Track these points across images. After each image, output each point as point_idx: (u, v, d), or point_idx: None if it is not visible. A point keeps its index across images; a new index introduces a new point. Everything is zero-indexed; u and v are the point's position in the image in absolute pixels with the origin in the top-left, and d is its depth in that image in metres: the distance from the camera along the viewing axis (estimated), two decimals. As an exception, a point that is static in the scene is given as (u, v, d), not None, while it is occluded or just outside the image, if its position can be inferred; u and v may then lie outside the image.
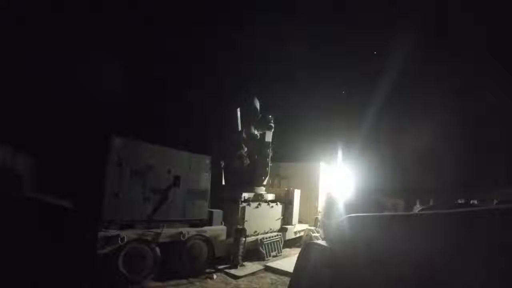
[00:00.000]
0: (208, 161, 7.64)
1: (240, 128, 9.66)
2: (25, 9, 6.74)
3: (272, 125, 10.46)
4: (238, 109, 9.68)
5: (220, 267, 7.31)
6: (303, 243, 9.23)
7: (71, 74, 6.03)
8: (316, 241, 2.26)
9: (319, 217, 11.94)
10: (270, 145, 10.48)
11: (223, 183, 9.32)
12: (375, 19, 17.04)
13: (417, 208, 12.79)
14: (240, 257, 7.54)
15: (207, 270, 7.06)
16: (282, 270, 7.34)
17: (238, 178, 9.35)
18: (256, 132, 10.20)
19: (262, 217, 9.07)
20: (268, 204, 9.52)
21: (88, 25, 6.91)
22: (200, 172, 7.41)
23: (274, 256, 8.89)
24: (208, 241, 7.24)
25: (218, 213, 7.75)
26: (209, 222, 7.48)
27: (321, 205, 12.39)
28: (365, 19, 17.24)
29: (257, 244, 8.60)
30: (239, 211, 8.28)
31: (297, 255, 2.08)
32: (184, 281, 6.39)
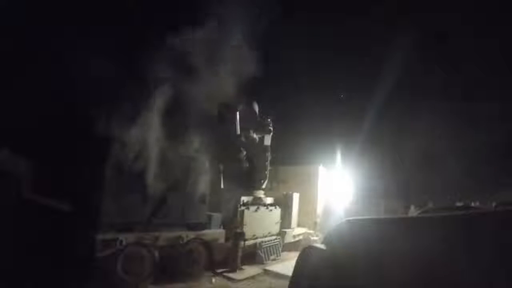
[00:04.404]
0: (207, 165, 7.65)
1: (239, 132, 9.67)
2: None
3: (271, 128, 10.48)
4: (237, 113, 9.69)
5: (219, 270, 7.29)
6: (302, 247, 9.23)
7: (70, 74, 6.03)
8: (314, 244, 2.26)
9: (318, 220, 11.95)
10: (269, 148, 10.49)
11: (222, 186, 9.32)
12: (375, 19, 17.16)
13: (412, 212, 12.89)
14: (238, 261, 7.52)
15: (206, 274, 7.03)
16: (281, 274, 7.32)
17: (237, 181, 9.34)
18: (255, 136, 10.21)
19: (261, 221, 9.05)
20: (267, 208, 9.50)
21: (87, 24, 6.92)
22: (199, 176, 7.41)
23: (273, 260, 8.86)
24: (206, 244, 7.22)
25: (217, 216, 7.74)
26: (208, 226, 7.47)
27: (320, 208, 12.39)
28: (365, 20, 17.35)
29: (256, 247, 8.58)
30: (238, 214, 8.26)
31: (296, 258, 2.07)
32: (182, 284, 6.36)
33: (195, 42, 7.27)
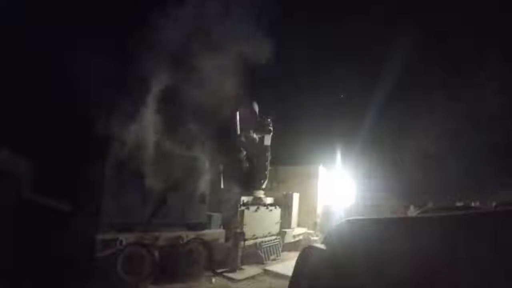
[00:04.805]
0: (207, 165, 7.65)
1: (239, 132, 9.67)
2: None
3: (271, 128, 10.48)
4: (237, 113, 9.70)
5: (219, 270, 7.29)
6: (302, 247, 9.23)
7: (69, 74, 6.03)
8: (314, 244, 2.26)
9: (318, 220, 11.95)
10: (269, 148, 10.50)
11: (222, 186, 9.35)
12: (375, 20, 17.16)
13: (412, 212, 12.92)
14: (238, 261, 7.52)
15: (206, 274, 7.03)
16: (281, 274, 7.32)
17: (237, 181, 9.35)
18: (255, 136, 10.21)
19: (261, 221, 9.06)
20: (267, 208, 9.51)
21: (84, 23, 6.91)
22: (199, 176, 7.41)
23: (273, 260, 8.87)
24: (206, 244, 7.22)
25: (217, 216, 7.74)
26: (208, 226, 7.47)
27: (320, 208, 12.39)
28: (365, 19, 17.35)
29: (256, 247, 8.58)
30: (238, 214, 8.26)
31: (296, 258, 2.07)
32: (182, 284, 6.36)
33: (196, 41, 7.27)
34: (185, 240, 6.74)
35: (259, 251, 8.56)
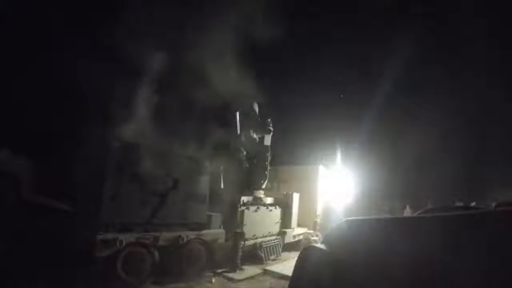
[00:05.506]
0: (207, 165, 7.65)
1: (239, 132, 9.67)
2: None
3: (271, 128, 10.47)
4: (238, 113, 9.69)
5: (219, 270, 7.28)
6: (302, 247, 9.21)
7: (71, 73, 6.02)
8: (314, 244, 2.26)
9: (318, 220, 11.95)
10: (269, 148, 10.49)
11: (222, 186, 9.34)
12: (376, 19, 17.15)
13: (408, 213, 12.86)
14: (238, 261, 7.51)
15: (206, 274, 7.03)
16: (281, 274, 7.32)
17: (237, 181, 9.35)
18: (255, 136, 10.21)
19: (261, 221, 9.05)
20: (267, 208, 9.50)
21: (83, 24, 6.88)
22: (198, 176, 7.41)
23: (273, 260, 8.86)
24: (206, 244, 7.21)
25: (216, 216, 7.73)
26: (208, 226, 7.46)
27: (320, 208, 12.39)
28: (366, 19, 17.34)
29: (256, 247, 8.58)
30: (238, 214, 8.26)
31: (296, 258, 2.07)
32: (182, 284, 6.36)
33: (197, 41, 7.27)
34: (185, 240, 6.73)
35: (259, 251, 8.56)
